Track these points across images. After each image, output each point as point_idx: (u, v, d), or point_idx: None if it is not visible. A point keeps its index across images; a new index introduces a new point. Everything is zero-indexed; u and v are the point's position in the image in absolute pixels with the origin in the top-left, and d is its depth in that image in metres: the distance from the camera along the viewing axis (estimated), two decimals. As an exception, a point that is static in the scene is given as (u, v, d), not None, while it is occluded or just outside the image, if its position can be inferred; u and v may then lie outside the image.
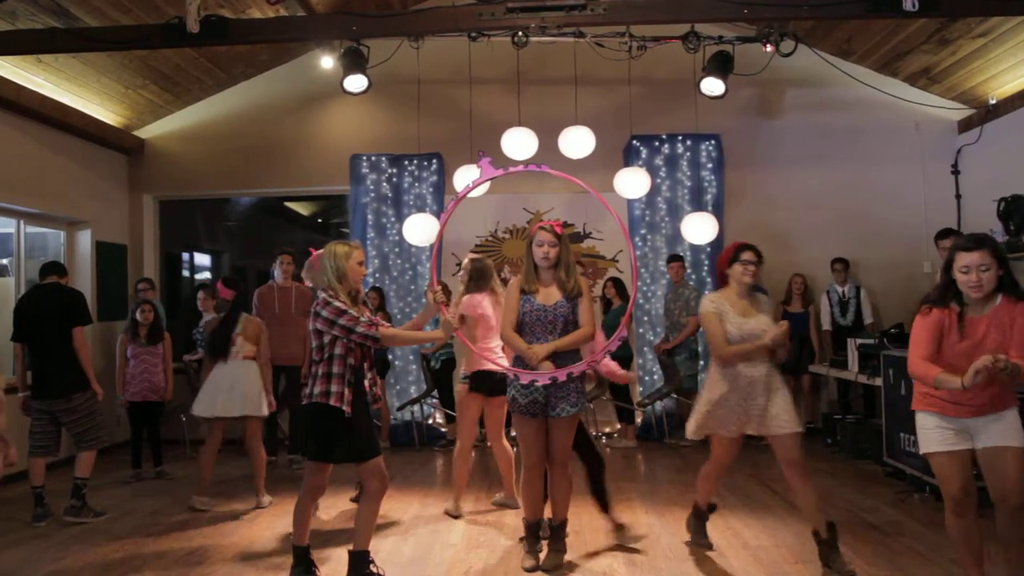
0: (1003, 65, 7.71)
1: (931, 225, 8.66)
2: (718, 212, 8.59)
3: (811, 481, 4.33)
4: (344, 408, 4.05)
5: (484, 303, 5.50)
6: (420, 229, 7.59)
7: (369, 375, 4.28)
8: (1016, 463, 3.41)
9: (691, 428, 4.53)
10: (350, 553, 4.21)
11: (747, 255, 4.47)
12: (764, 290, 8.45)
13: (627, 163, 8.74)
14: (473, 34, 7.53)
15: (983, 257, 3.43)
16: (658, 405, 8.58)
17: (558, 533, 4.64)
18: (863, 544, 4.77)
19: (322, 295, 4.14)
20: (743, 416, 4.40)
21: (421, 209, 8.76)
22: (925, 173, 8.93)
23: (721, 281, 4.62)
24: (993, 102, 8.26)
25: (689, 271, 8.69)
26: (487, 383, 5.45)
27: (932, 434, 3.58)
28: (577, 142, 7.59)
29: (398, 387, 8.81)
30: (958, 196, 8.91)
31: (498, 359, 5.16)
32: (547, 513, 4.69)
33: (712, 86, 7.93)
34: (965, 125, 8.86)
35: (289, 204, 11.47)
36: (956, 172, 8.94)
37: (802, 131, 9.11)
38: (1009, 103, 8.06)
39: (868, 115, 8.95)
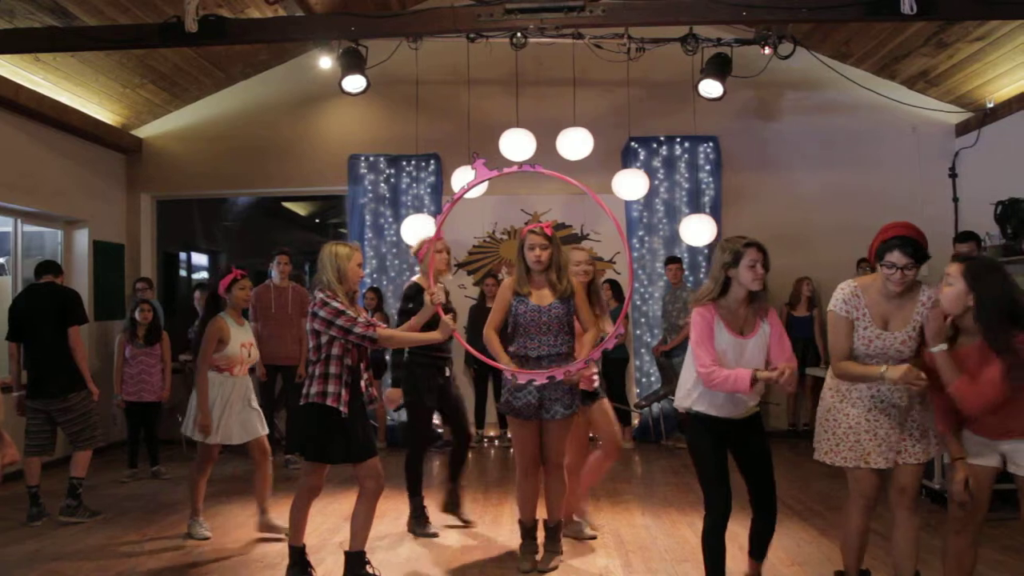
0: (1001, 68, 7.72)
1: (928, 229, 8.61)
2: (716, 214, 8.60)
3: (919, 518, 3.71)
4: (341, 408, 4.05)
5: None
6: (417, 230, 7.59)
7: (365, 375, 4.28)
8: None
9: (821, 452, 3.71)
10: (346, 554, 4.22)
11: (894, 257, 3.41)
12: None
13: (625, 165, 8.74)
14: (472, 35, 7.53)
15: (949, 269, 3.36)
16: (655, 407, 8.59)
17: (554, 534, 4.65)
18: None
19: (319, 295, 4.14)
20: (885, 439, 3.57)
21: (419, 210, 8.76)
22: (922, 176, 8.93)
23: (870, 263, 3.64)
24: (991, 105, 8.27)
25: (687, 273, 8.69)
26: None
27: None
28: (575, 143, 7.60)
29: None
30: (955, 199, 8.92)
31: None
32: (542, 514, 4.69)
33: (710, 88, 7.94)
34: (963, 128, 8.87)
35: (287, 204, 11.45)
36: (954, 175, 8.95)
37: (800, 133, 9.11)
38: (1007, 106, 8.07)
39: (866, 118, 8.96)
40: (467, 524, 5.47)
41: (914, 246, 3.40)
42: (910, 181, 8.92)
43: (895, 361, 3.44)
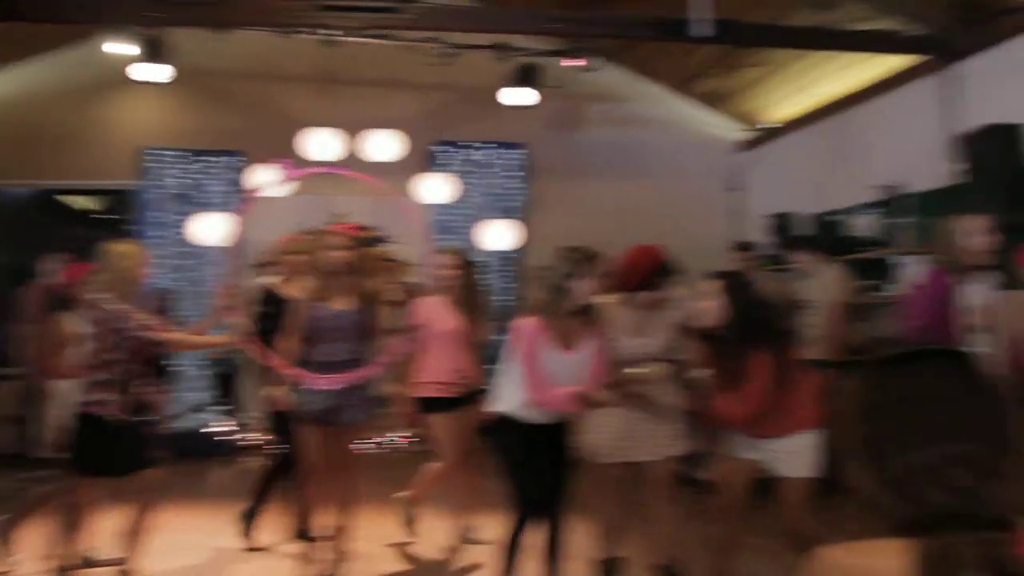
0: (782, 92, 8.37)
1: (715, 239, 9.25)
2: (522, 221, 8.77)
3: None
4: (116, 416, 3.80)
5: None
6: (213, 229, 7.22)
7: (144, 381, 4.03)
8: (787, 493, 3.60)
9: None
10: (118, 571, 3.97)
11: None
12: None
13: (434, 168, 8.74)
14: (282, 30, 7.28)
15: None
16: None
17: (335, 538, 4.54)
18: (645, 540, 4.96)
19: (96, 296, 3.87)
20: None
21: (217, 208, 8.35)
22: (711, 189, 9.52)
23: (623, 286, 3.81)
24: (772, 125, 8.97)
25: (488, 277, 8.79)
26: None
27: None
28: (383, 145, 7.51)
29: (178, 394, 8.36)
30: (738, 212, 9.59)
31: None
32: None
33: (520, 96, 8.10)
34: (747, 145, 9.55)
35: (67, 198, 10.59)
36: (738, 189, 9.62)
37: (606, 144, 9.46)
38: (785, 127, 8.78)
39: (664, 132, 9.40)
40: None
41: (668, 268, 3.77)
42: (700, 194, 9.49)
43: (652, 362, 3.68)
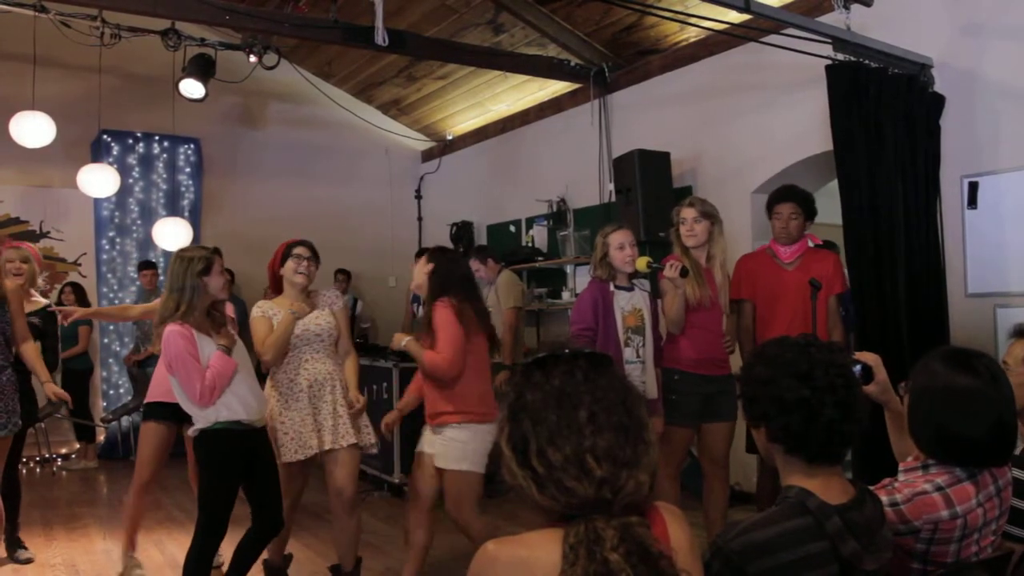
0: (459, 106, 8.78)
1: (397, 243, 9.50)
2: (195, 218, 8.33)
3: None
4: None
5: None
6: None
7: None
8: (445, 485, 3.75)
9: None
10: None
11: (300, 249, 4.06)
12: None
13: (96, 159, 7.99)
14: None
15: None
16: (124, 420, 8.00)
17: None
18: (320, 542, 4.97)
19: None
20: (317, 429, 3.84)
21: None
22: (393, 195, 9.75)
23: (275, 289, 4.10)
24: (450, 137, 9.36)
25: (162, 279, 8.26)
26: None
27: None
28: (33, 129, 6.73)
29: None
30: (420, 218, 9.89)
31: None
32: None
33: (192, 88, 7.63)
34: (427, 155, 9.89)
35: None
36: (419, 196, 9.92)
37: (284, 144, 9.28)
38: (462, 140, 9.21)
39: (345, 136, 9.44)
40: None
41: (310, 245, 4.15)
42: (382, 199, 9.67)
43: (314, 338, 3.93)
